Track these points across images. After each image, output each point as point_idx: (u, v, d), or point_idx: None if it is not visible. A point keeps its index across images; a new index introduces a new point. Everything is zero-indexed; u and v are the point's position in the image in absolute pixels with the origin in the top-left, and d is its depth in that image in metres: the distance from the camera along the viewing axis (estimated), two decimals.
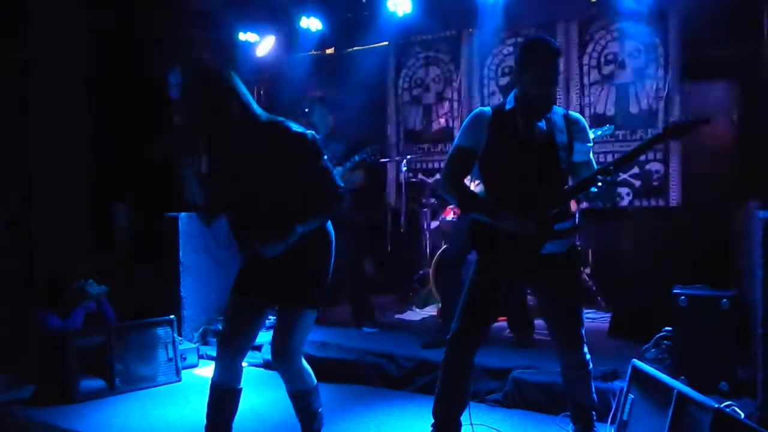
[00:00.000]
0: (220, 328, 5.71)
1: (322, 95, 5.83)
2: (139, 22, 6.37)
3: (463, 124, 3.19)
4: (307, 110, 5.72)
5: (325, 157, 3.08)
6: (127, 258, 5.44)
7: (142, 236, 5.63)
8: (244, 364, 4.52)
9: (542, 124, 3.08)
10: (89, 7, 6.42)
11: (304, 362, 3.19)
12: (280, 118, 3.03)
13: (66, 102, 6.32)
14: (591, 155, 3.17)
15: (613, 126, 4.92)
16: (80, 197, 6.36)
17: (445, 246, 5.95)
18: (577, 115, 3.19)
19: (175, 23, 6.33)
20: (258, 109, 3.00)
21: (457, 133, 6.88)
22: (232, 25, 6.44)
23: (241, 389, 3.21)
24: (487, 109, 3.18)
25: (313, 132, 3.06)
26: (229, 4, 6.49)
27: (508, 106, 3.13)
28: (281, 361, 3.11)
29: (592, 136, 3.29)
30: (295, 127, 2.99)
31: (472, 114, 3.19)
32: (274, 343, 3.11)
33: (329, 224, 3.19)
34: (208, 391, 3.19)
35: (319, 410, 3.28)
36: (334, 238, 3.20)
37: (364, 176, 5.44)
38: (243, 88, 2.98)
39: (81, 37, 6.41)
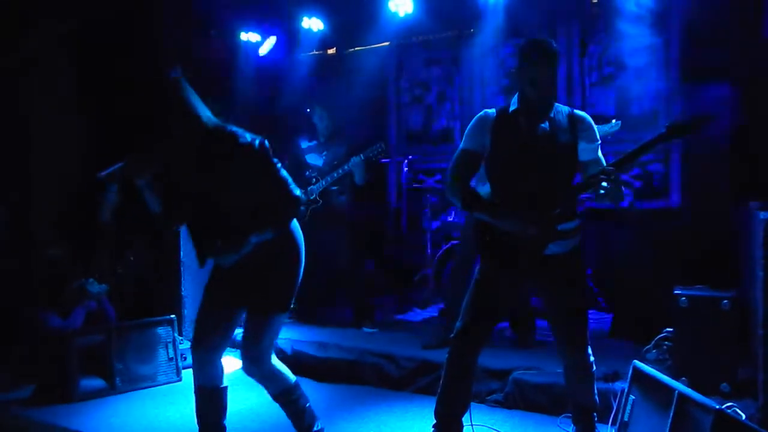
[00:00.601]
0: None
1: (321, 97, 5.83)
2: (138, 22, 6.37)
3: (468, 126, 3.20)
4: (309, 111, 5.72)
5: (279, 164, 3.06)
6: (119, 238, 5.39)
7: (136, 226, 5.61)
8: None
9: (545, 124, 3.09)
10: (89, 6, 6.42)
11: (276, 362, 3.19)
12: (229, 127, 3.01)
13: (66, 101, 6.32)
14: (599, 153, 3.16)
15: (620, 122, 4.90)
16: (80, 197, 6.36)
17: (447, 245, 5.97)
18: (583, 113, 3.18)
19: (174, 23, 6.32)
20: (206, 116, 2.98)
21: (457, 134, 6.91)
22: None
23: (225, 387, 3.21)
24: (492, 111, 3.19)
25: (262, 139, 3.03)
26: (230, 4, 6.49)
27: (511, 108, 3.14)
28: (251, 364, 3.11)
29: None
30: (243, 137, 2.97)
31: (476, 116, 3.20)
32: (243, 348, 3.11)
33: (297, 228, 3.19)
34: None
35: (307, 405, 3.27)
36: (301, 242, 3.19)
37: (367, 175, 5.44)
38: (192, 96, 2.97)
39: (80, 36, 6.40)
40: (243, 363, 3.13)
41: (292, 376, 3.24)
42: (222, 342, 3.17)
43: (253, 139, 2.99)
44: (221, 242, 2.95)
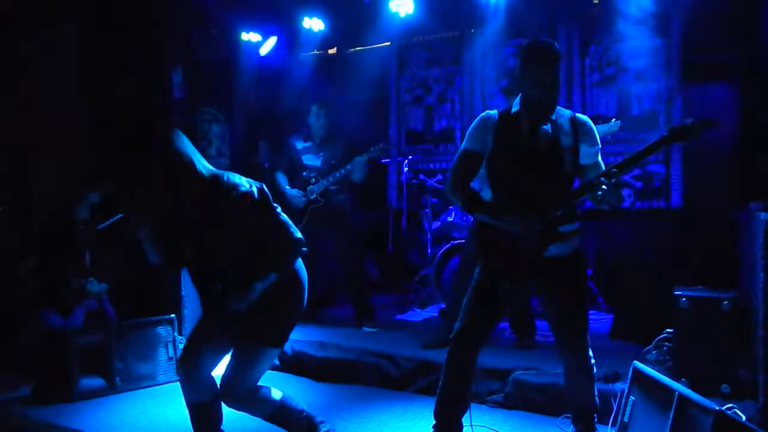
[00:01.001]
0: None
1: (321, 97, 5.83)
2: (139, 21, 6.37)
3: (470, 127, 3.20)
4: (305, 109, 5.72)
5: (278, 208, 3.04)
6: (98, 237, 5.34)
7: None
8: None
9: (547, 126, 3.09)
10: (90, 3, 6.42)
11: (260, 388, 3.12)
12: (225, 177, 2.95)
13: (67, 100, 6.31)
14: (599, 158, 3.16)
15: (619, 122, 4.91)
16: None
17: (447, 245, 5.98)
18: (585, 117, 3.18)
19: (174, 22, 6.32)
20: (203, 166, 2.95)
21: (458, 134, 6.90)
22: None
23: (218, 395, 3.13)
24: (494, 112, 3.19)
25: (261, 185, 3.01)
26: (230, 4, 6.49)
27: (514, 109, 3.14)
28: (234, 399, 3.03)
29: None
30: (241, 186, 2.93)
31: (478, 117, 3.20)
32: (227, 379, 3.02)
33: (301, 267, 3.15)
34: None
35: (303, 415, 3.22)
36: (305, 280, 3.16)
37: (367, 175, 5.45)
38: (188, 148, 2.93)
39: (81, 33, 6.39)
40: (224, 394, 3.03)
41: (276, 395, 3.16)
42: (212, 359, 3.12)
43: (251, 186, 2.96)
44: (228, 292, 2.93)
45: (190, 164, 2.90)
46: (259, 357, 3.04)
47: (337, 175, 5.40)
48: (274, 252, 3.00)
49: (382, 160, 6.11)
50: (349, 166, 5.34)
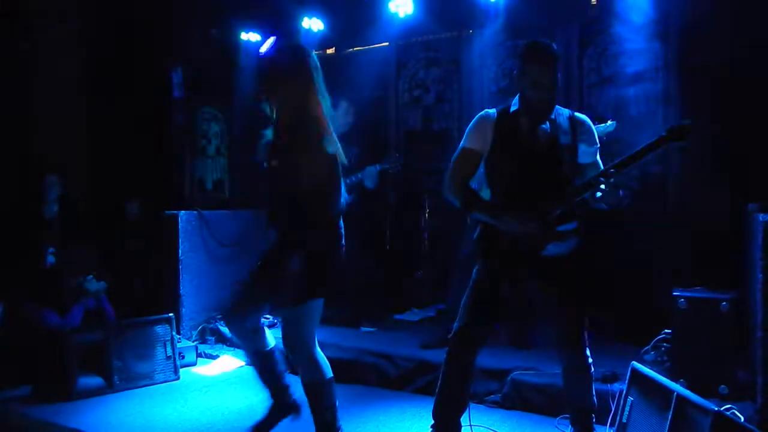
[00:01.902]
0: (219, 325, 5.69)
1: (342, 97, 5.79)
2: (139, 21, 6.37)
3: (469, 126, 3.20)
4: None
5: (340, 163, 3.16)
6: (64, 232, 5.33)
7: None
8: (241, 363, 4.58)
9: (546, 126, 3.09)
10: (90, 3, 6.42)
11: (320, 353, 3.27)
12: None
13: (67, 100, 6.32)
14: (598, 157, 3.17)
15: (615, 122, 4.91)
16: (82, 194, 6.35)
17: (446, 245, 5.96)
18: (583, 116, 3.18)
19: (176, 22, 6.33)
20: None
21: (456, 135, 6.88)
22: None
23: (272, 349, 3.45)
24: (492, 111, 3.19)
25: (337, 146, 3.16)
26: (230, 4, 6.50)
27: (512, 108, 3.14)
28: (291, 349, 3.22)
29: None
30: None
31: (477, 116, 3.20)
32: (283, 331, 3.23)
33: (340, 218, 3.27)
34: (205, 390, 3.22)
35: (333, 409, 3.27)
36: (343, 232, 3.30)
37: (378, 183, 5.45)
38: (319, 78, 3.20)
39: (82, 33, 6.40)
40: (288, 349, 3.24)
41: (328, 372, 3.28)
42: (256, 309, 3.40)
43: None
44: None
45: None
46: (311, 309, 3.24)
47: (348, 182, 5.38)
48: (328, 201, 3.13)
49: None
50: (360, 174, 5.33)
